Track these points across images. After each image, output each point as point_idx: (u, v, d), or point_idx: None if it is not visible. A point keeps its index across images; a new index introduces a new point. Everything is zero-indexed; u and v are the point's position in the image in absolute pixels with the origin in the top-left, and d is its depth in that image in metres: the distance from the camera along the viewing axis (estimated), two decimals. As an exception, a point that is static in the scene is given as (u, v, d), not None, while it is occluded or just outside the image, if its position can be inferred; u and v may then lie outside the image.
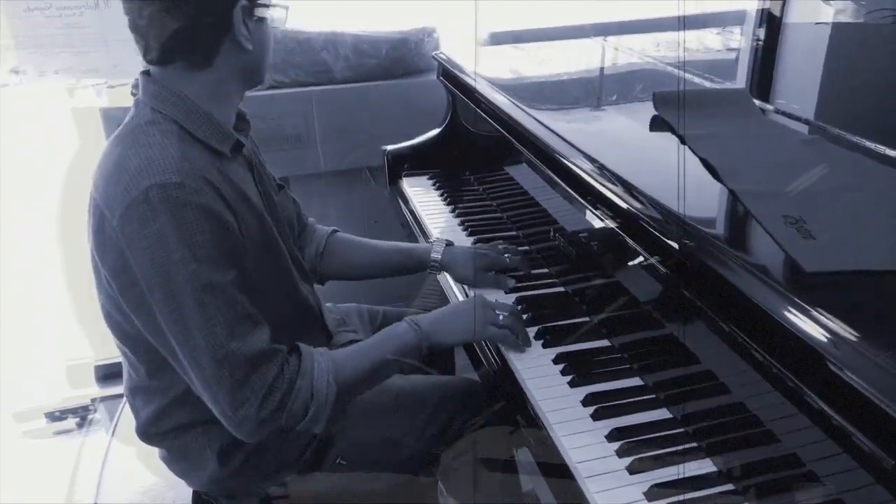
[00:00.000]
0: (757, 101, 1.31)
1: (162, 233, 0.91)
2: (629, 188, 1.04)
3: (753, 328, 0.79)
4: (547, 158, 1.28)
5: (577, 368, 1.07)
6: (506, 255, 1.34)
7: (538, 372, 1.09)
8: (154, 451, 1.18)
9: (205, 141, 1.00)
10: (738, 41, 1.77)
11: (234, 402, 0.96)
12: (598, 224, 1.13)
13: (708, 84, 1.46)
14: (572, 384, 1.05)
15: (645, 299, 1.05)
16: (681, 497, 0.84)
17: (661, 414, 0.98)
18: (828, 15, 1.55)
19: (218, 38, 0.98)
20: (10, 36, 1.87)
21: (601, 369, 1.07)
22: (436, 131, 1.87)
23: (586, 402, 1.01)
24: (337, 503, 1.21)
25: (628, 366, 1.08)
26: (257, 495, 1.18)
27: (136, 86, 1.04)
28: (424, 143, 1.87)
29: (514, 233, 1.53)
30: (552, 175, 1.26)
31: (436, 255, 1.33)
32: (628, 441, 0.92)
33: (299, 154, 2.09)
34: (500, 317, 1.13)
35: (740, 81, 1.55)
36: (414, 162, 1.86)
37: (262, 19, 1.02)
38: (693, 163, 1.07)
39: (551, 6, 2.08)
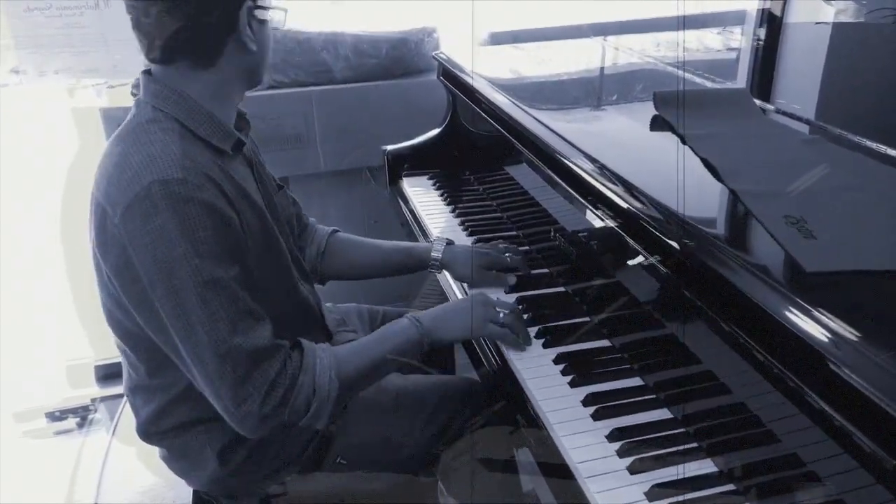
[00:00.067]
0: (757, 101, 1.31)
1: (164, 228, 0.91)
2: (629, 188, 1.04)
3: (754, 328, 0.79)
4: (547, 158, 1.28)
5: (578, 368, 1.07)
6: (506, 255, 1.34)
7: (538, 372, 1.09)
8: (154, 451, 1.18)
9: (206, 139, 1.00)
10: (739, 41, 1.77)
11: (237, 397, 0.96)
12: (598, 224, 1.13)
13: (709, 84, 1.46)
14: (573, 384, 1.05)
15: (645, 299, 1.05)
16: (681, 497, 0.83)
17: (662, 414, 0.98)
18: (828, 15, 1.55)
19: (223, 37, 0.99)
20: (10, 36, 1.87)
21: (602, 369, 1.07)
22: (436, 131, 1.87)
23: (587, 402, 1.01)
24: (337, 503, 1.21)
25: (629, 366, 1.07)
26: (257, 495, 1.18)
27: (136, 86, 1.05)
28: (424, 143, 1.87)
29: (514, 233, 1.53)
30: (552, 175, 1.26)
31: (436, 254, 1.33)
32: (629, 441, 0.92)
33: (299, 154, 2.09)
34: (501, 315, 1.13)
35: (741, 81, 1.55)
36: (414, 162, 1.86)
37: (264, 21, 1.02)
38: (694, 163, 1.07)
39: (551, 6, 2.09)
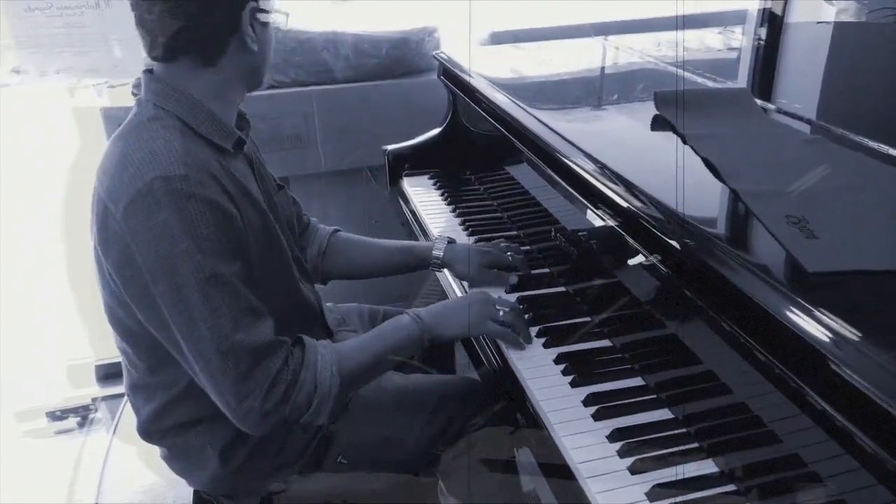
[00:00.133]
0: (759, 101, 1.30)
1: (167, 224, 0.91)
2: (630, 188, 1.04)
3: (755, 328, 0.78)
4: (548, 158, 1.27)
5: (579, 368, 1.07)
6: (508, 254, 1.34)
7: (539, 372, 1.09)
8: (155, 451, 1.18)
9: (207, 137, 1.01)
10: (740, 40, 1.77)
11: (239, 393, 0.96)
12: (599, 223, 1.13)
13: (709, 83, 1.45)
14: (573, 384, 1.05)
15: (646, 299, 1.05)
16: (683, 497, 0.83)
17: (663, 414, 0.98)
18: (829, 14, 1.55)
19: (225, 37, 0.99)
20: (11, 36, 1.87)
21: (602, 369, 1.07)
22: (436, 131, 1.87)
23: (587, 402, 1.01)
24: (337, 503, 1.21)
25: (629, 366, 1.07)
26: (258, 494, 1.18)
27: (137, 85, 1.05)
28: (425, 143, 1.86)
29: (514, 232, 1.53)
30: (553, 174, 1.26)
31: (437, 253, 1.33)
32: (630, 441, 0.92)
33: (300, 154, 2.09)
34: (501, 313, 1.13)
35: (742, 81, 1.55)
36: (414, 161, 1.86)
37: (266, 23, 1.03)
38: (695, 162, 1.06)
39: (552, 6, 2.08)
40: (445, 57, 1.84)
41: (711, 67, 1.52)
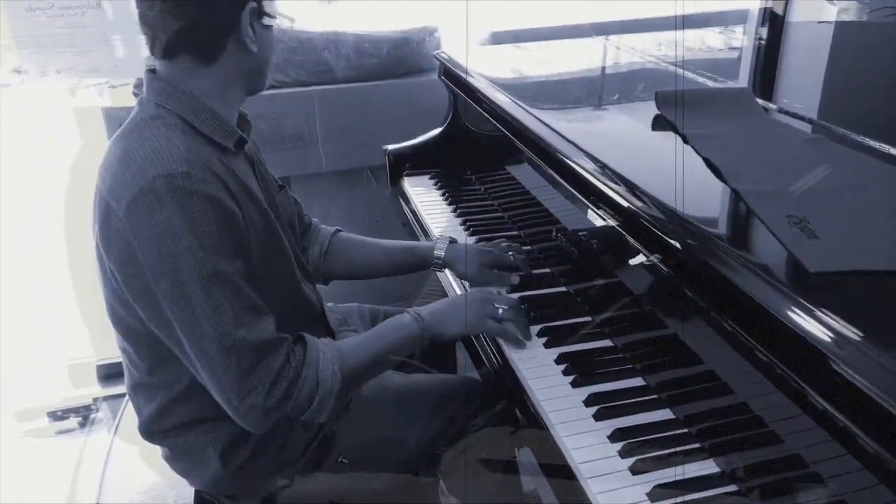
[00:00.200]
0: (760, 101, 1.30)
1: (169, 222, 0.91)
2: (631, 188, 1.03)
3: (756, 328, 0.78)
4: (549, 158, 1.27)
5: (580, 369, 1.07)
6: (509, 254, 1.34)
7: (540, 372, 1.08)
8: (156, 451, 1.18)
9: (209, 135, 1.01)
10: (741, 40, 1.77)
11: (241, 390, 0.96)
12: (600, 223, 1.13)
13: (711, 83, 1.45)
14: (574, 384, 1.05)
15: (647, 299, 1.05)
16: (684, 498, 0.83)
17: (664, 414, 0.97)
18: (831, 14, 1.55)
19: (224, 35, 0.99)
20: (12, 36, 1.87)
21: (603, 369, 1.07)
22: (437, 131, 1.87)
23: (588, 402, 1.01)
24: (338, 503, 1.21)
25: (631, 366, 1.07)
26: (259, 494, 1.18)
27: (137, 85, 1.05)
28: (426, 143, 1.86)
29: (515, 232, 1.53)
30: (554, 174, 1.26)
31: (439, 252, 1.33)
32: (631, 441, 0.92)
33: (301, 154, 2.09)
34: (500, 311, 1.14)
35: (743, 81, 1.55)
36: (415, 161, 1.86)
37: (268, 26, 1.03)
38: (696, 162, 1.06)
39: (553, 6, 2.08)
40: (446, 57, 1.84)
41: (712, 67, 1.52)
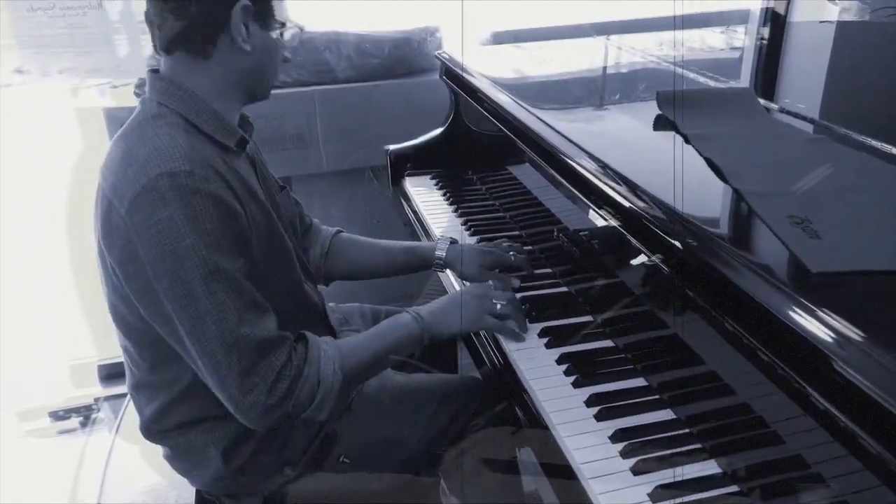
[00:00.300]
0: (761, 101, 1.30)
1: (172, 220, 0.91)
2: (633, 188, 1.03)
3: (758, 328, 0.78)
4: (550, 158, 1.27)
5: (581, 369, 1.07)
6: (510, 254, 1.34)
7: (541, 372, 1.08)
8: (157, 451, 1.18)
9: (210, 134, 1.01)
10: (743, 40, 1.76)
11: (243, 387, 0.97)
12: (601, 223, 1.13)
13: (712, 83, 1.45)
14: (576, 385, 1.05)
15: (648, 299, 1.05)
16: (685, 498, 0.83)
17: (666, 415, 0.97)
18: (832, 14, 1.55)
19: (215, 32, 0.99)
20: (14, 36, 1.87)
21: (605, 370, 1.07)
22: (438, 131, 1.87)
23: (590, 402, 1.01)
24: (339, 503, 1.21)
25: (632, 366, 1.07)
26: (260, 494, 1.18)
27: (139, 85, 1.06)
28: (427, 143, 1.86)
29: (516, 232, 1.53)
30: (555, 174, 1.26)
31: (440, 253, 1.33)
32: (632, 442, 0.92)
33: (302, 154, 2.09)
34: (498, 306, 1.15)
35: (745, 80, 1.55)
36: (416, 161, 1.86)
37: (266, 27, 1.02)
38: (697, 162, 1.06)
39: (554, 6, 2.08)
40: (447, 57, 1.84)
41: (714, 67, 1.52)
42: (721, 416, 0.91)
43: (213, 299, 0.94)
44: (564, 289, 1.30)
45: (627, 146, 1.26)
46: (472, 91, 1.65)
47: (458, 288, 1.36)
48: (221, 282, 0.94)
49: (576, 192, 1.18)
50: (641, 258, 1.02)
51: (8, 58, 1.89)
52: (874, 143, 1.09)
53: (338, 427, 1.17)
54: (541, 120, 1.35)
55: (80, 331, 2.15)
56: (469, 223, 1.58)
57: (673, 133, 1.19)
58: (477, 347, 1.23)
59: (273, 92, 1.13)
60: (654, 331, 1.05)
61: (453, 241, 1.35)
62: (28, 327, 2.13)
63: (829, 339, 0.69)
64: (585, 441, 0.94)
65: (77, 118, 2.00)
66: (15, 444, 2.05)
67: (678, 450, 0.91)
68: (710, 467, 0.88)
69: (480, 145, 1.76)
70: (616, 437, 0.94)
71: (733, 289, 0.81)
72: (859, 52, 1.45)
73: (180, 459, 1.16)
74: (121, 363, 1.15)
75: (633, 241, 1.02)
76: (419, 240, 1.60)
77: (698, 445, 0.91)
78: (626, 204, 1.03)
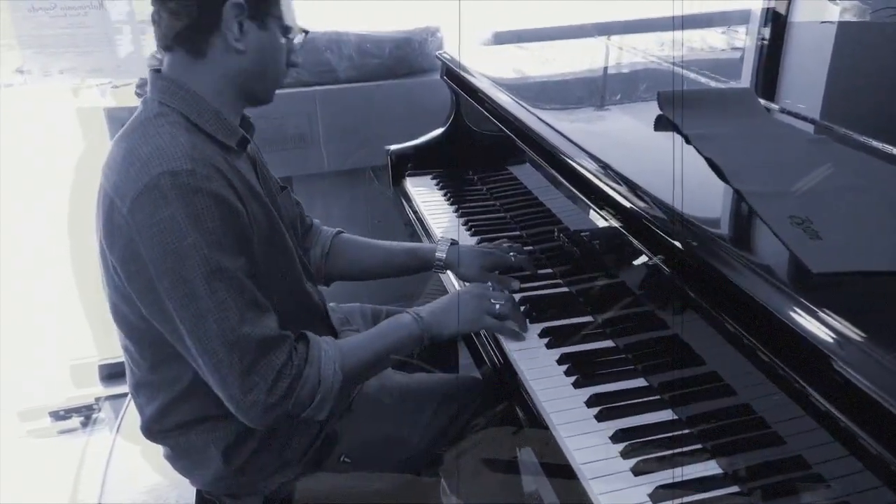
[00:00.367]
0: (762, 101, 1.30)
1: (174, 218, 0.92)
2: (633, 188, 1.03)
3: (759, 329, 0.78)
4: (551, 158, 1.27)
5: (582, 369, 1.07)
6: (511, 254, 1.34)
7: (542, 372, 1.08)
8: (158, 450, 1.18)
9: (212, 134, 1.02)
10: (744, 40, 1.76)
11: (244, 386, 0.97)
12: (602, 224, 1.13)
13: (713, 83, 1.45)
14: (576, 385, 1.05)
15: (649, 300, 1.05)
16: (686, 499, 0.83)
17: (666, 415, 0.97)
18: (833, 14, 1.54)
19: (208, 30, 0.99)
20: (15, 36, 1.88)
21: (605, 370, 1.07)
22: (439, 131, 1.87)
23: (590, 402, 1.01)
24: (340, 502, 1.21)
25: (633, 367, 1.07)
26: (261, 494, 1.18)
27: (140, 85, 1.06)
28: (428, 143, 1.86)
29: (517, 233, 1.53)
30: (556, 175, 1.26)
31: (440, 254, 1.33)
32: (633, 442, 0.92)
33: (302, 154, 2.09)
34: (497, 305, 1.15)
35: (745, 81, 1.55)
36: (417, 162, 1.86)
37: (263, 27, 1.02)
38: (698, 163, 1.06)
39: (555, 6, 2.08)
40: (448, 57, 1.84)
41: (715, 67, 1.52)
42: (722, 416, 0.91)
43: (215, 298, 0.94)
44: (565, 289, 1.30)
45: (628, 146, 1.26)
46: (473, 91, 1.65)
47: (457, 287, 1.36)
48: (223, 281, 0.94)
49: (576, 192, 1.18)
50: (642, 258, 1.02)
51: (9, 58, 1.89)
52: (875, 143, 1.09)
53: (338, 427, 1.17)
54: (542, 120, 1.35)
55: (80, 330, 2.15)
56: (470, 223, 1.58)
57: (674, 133, 1.19)
58: (477, 347, 1.23)
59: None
60: (654, 331, 1.05)
61: (454, 243, 1.35)
62: (28, 327, 2.13)
63: (830, 340, 0.69)
64: (586, 441, 0.94)
65: (78, 118, 2.00)
66: (16, 443, 2.05)
67: (679, 450, 0.91)
68: (710, 468, 0.88)
69: (481, 145, 1.76)
70: (617, 437, 0.94)
71: (734, 289, 0.81)
72: (860, 53, 1.45)
73: (181, 459, 1.16)
74: (121, 363, 1.15)
75: (634, 241, 1.02)
76: (420, 240, 1.60)
77: (699, 446, 0.91)
78: (627, 204, 1.03)
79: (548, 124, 1.33)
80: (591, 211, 1.15)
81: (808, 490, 0.77)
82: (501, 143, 1.49)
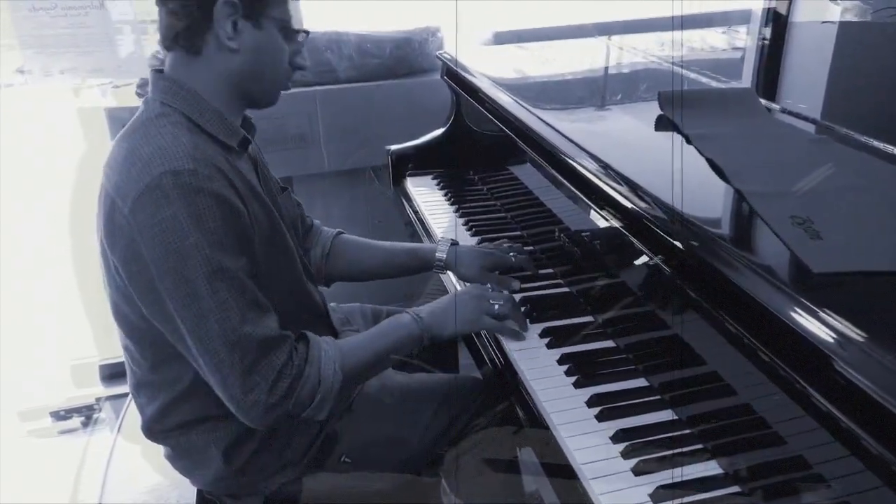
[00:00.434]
0: (763, 101, 1.30)
1: (175, 218, 0.92)
2: (634, 188, 1.03)
3: (760, 329, 0.78)
4: (551, 158, 1.27)
5: (582, 369, 1.07)
6: (511, 255, 1.34)
7: (543, 372, 1.08)
8: (159, 451, 1.18)
9: (213, 134, 1.02)
10: (744, 40, 1.76)
11: (245, 386, 0.97)
12: (602, 224, 1.13)
13: (714, 83, 1.45)
14: (577, 385, 1.05)
15: (650, 300, 1.04)
16: (686, 499, 0.83)
17: (667, 415, 0.97)
18: (834, 14, 1.54)
19: (201, 30, 0.99)
20: (15, 36, 1.88)
21: (606, 370, 1.07)
22: (440, 131, 1.87)
23: (591, 402, 1.01)
24: (341, 502, 1.21)
25: (633, 367, 1.07)
26: (261, 494, 1.18)
27: (140, 85, 1.06)
28: (428, 143, 1.86)
29: (518, 233, 1.53)
30: (556, 175, 1.26)
31: (441, 255, 1.33)
32: (633, 442, 0.92)
33: (303, 154, 2.09)
34: (496, 306, 1.15)
35: (746, 81, 1.55)
36: (418, 162, 1.86)
37: (258, 26, 1.01)
38: (699, 163, 1.06)
39: (556, 6, 2.08)
40: (448, 57, 1.84)
41: (715, 67, 1.52)
42: (722, 416, 0.91)
43: (216, 298, 0.94)
44: (566, 289, 1.30)
45: (629, 146, 1.26)
46: (474, 91, 1.65)
47: (458, 288, 1.36)
48: (224, 281, 0.94)
49: (577, 192, 1.18)
50: (643, 259, 1.02)
51: (9, 58, 1.89)
52: (876, 143, 1.08)
53: (339, 427, 1.17)
54: (542, 120, 1.35)
55: (81, 330, 2.15)
56: (470, 223, 1.58)
57: (674, 133, 1.19)
58: (478, 347, 1.23)
59: (274, 92, 1.13)
60: (655, 331, 1.05)
61: (454, 243, 1.35)
62: (29, 327, 2.13)
63: (831, 340, 0.69)
64: (586, 441, 0.94)
65: (79, 118, 2.00)
66: (16, 444, 2.05)
67: (679, 450, 0.91)
68: (711, 468, 0.88)
69: (482, 145, 1.76)
70: (617, 437, 0.94)
71: (735, 289, 0.80)
72: (861, 53, 1.45)
73: (181, 459, 1.16)
74: (122, 363, 1.15)
75: (635, 241, 1.02)
76: (420, 240, 1.60)
77: (699, 446, 0.91)
78: (628, 204, 1.03)
79: (548, 124, 1.32)
80: (592, 211, 1.15)
81: (808, 490, 0.77)
82: (502, 143, 1.49)
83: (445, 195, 1.74)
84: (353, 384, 1.12)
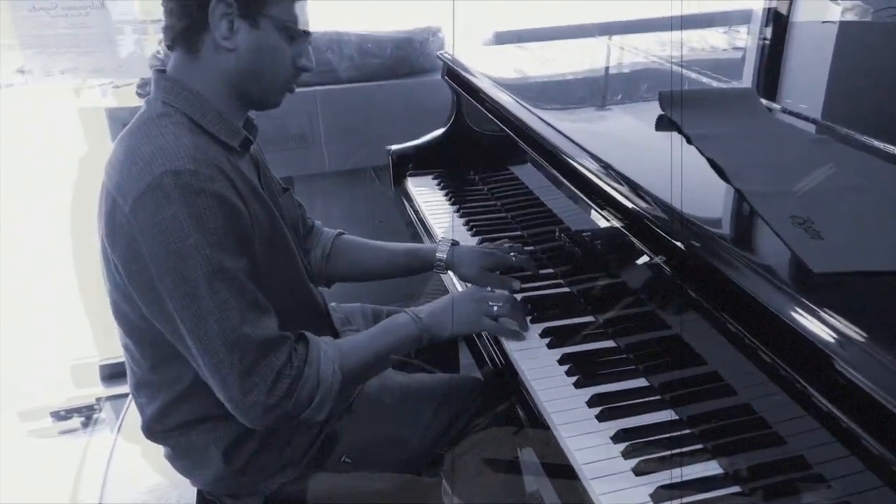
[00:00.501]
0: (764, 101, 1.30)
1: (176, 218, 0.92)
2: (635, 188, 1.03)
3: (760, 329, 0.78)
4: (552, 158, 1.27)
5: (583, 369, 1.07)
6: (511, 255, 1.34)
7: (543, 372, 1.08)
8: (159, 451, 1.18)
9: (215, 134, 1.02)
10: (745, 40, 1.76)
11: (244, 387, 0.97)
12: (603, 224, 1.13)
13: (714, 83, 1.45)
14: (578, 385, 1.04)
15: (650, 300, 1.04)
16: (687, 499, 0.83)
17: (667, 415, 0.97)
18: (835, 14, 1.54)
19: (197, 29, 1.00)
20: (16, 36, 1.88)
21: (607, 370, 1.07)
22: (440, 131, 1.87)
23: (592, 402, 1.00)
24: (341, 502, 1.21)
25: (634, 367, 1.07)
26: (261, 494, 1.18)
27: (141, 85, 1.06)
28: (429, 143, 1.86)
29: (518, 233, 1.53)
30: (557, 175, 1.26)
31: (441, 255, 1.33)
32: (634, 442, 0.92)
33: (303, 154, 2.10)
34: (495, 308, 1.15)
35: (747, 81, 1.55)
36: (418, 162, 1.86)
37: (255, 26, 1.01)
38: (700, 163, 1.06)
39: (556, 6, 2.08)
40: (449, 57, 1.84)
41: (716, 67, 1.52)
42: (723, 416, 0.91)
43: (216, 298, 0.94)
44: (566, 289, 1.30)
45: (629, 146, 1.26)
46: (474, 91, 1.65)
47: (459, 288, 1.36)
48: (224, 281, 0.94)
49: (578, 192, 1.18)
50: (643, 258, 1.02)
51: (10, 58, 1.89)
52: (876, 143, 1.08)
53: (339, 427, 1.17)
54: (543, 120, 1.35)
55: (81, 330, 2.15)
56: (471, 223, 1.58)
57: (675, 133, 1.19)
58: (478, 348, 1.23)
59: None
60: (655, 331, 1.05)
61: (454, 243, 1.35)
62: (29, 327, 2.13)
63: (831, 340, 0.69)
64: (587, 441, 0.94)
65: (79, 118, 2.00)
66: (16, 444, 2.05)
67: (680, 450, 0.91)
68: (711, 468, 0.88)
69: (482, 145, 1.76)
70: (618, 437, 0.93)
71: (735, 289, 0.80)
72: (862, 53, 1.45)
73: (182, 459, 1.16)
74: (122, 363, 1.15)
75: (635, 241, 1.02)
76: (421, 240, 1.60)
77: (700, 446, 0.91)
78: (629, 204, 1.03)
79: (549, 124, 1.32)
80: (593, 211, 1.15)
81: (809, 490, 0.77)
82: (502, 142, 1.49)
83: (446, 195, 1.74)
84: (353, 384, 1.12)
